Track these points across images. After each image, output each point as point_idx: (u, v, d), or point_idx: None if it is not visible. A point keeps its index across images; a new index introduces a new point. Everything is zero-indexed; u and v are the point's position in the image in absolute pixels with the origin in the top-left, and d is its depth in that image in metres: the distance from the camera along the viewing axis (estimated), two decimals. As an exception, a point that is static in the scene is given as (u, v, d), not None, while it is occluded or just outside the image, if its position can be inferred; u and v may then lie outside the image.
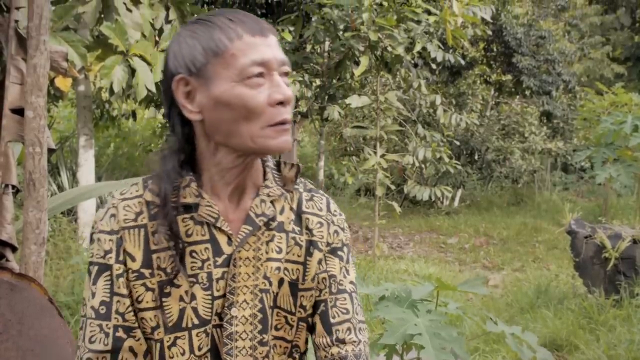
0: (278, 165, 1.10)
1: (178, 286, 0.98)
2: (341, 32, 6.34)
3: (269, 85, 0.95)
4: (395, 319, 1.97)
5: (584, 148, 7.92)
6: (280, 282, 1.03)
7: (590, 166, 9.31)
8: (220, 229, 0.99)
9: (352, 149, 10.80)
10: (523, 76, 10.83)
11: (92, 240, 1.01)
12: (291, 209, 1.07)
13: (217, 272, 0.99)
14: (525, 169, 12.30)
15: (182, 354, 0.98)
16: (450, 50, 7.37)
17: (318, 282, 1.06)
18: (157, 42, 4.78)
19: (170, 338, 0.98)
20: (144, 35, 4.62)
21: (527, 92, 11.17)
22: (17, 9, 2.00)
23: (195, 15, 5.48)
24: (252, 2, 7.58)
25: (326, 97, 6.78)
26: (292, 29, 6.94)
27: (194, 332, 0.98)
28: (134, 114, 9.49)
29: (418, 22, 6.45)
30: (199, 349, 0.99)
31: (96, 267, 0.99)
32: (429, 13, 6.50)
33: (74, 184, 6.62)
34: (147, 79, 4.49)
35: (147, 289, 0.98)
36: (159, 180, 0.98)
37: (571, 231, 4.98)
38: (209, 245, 0.99)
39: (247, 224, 1.01)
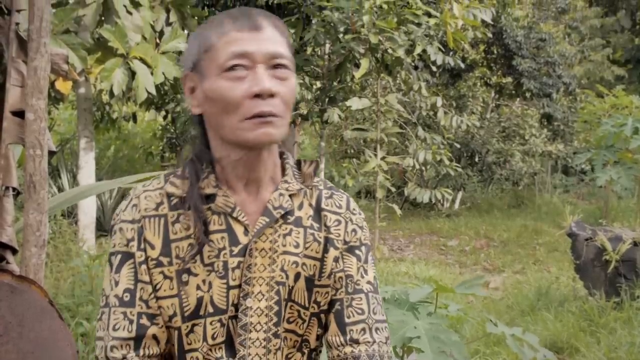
0: (299, 163, 1.11)
1: (195, 275, 0.99)
2: (341, 35, 6.34)
3: (251, 78, 0.95)
4: (395, 321, 1.97)
5: (585, 150, 7.92)
6: (297, 276, 1.03)
7: (590, 168, 9.32)
8: (237, 219, 1.01)
9: (352, 151, 10.79)
10: (523, 78, 10.83)
11: (113, 232, 1.03)
12: (310, 205, 1.08)
13: (233, 262, 1.00)
14: (525, 172, 12.30)
15: (198, 342, 1.00)
16: (451, 53, 7.38)
17: (335, 281, 1.06)
18: (157, 45, 4.79)
19: (188, 326, 0.99)
20: (144, 38, 4.63)
21: (528, 95, 11.17)
22: (18, 11, 2.01)
23: (196, 17, 5.50)
24: (252, 5, 7.59)
25: (326, 99, 6.78)
26: (292, 31, 6.94)
27: (208, 320, 0.99)
28: (134, 117, 9.50)
29: (418, 24, 6.45)
30: (213, 337, 1.00)
31: (119, 256, 1.01)
32: (430, 15, 6.50)
33: (75, 186, 6.63)
34: (148, 82, 4.49)
35: (165, 277, 0.99)
36: (183, 170, 1.03)
37: (572, 233, 4.97)
38: (226, 234, 1.00)
39: (264, 215, 1.02)
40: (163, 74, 4.60)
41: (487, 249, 8.01)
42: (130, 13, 4.54)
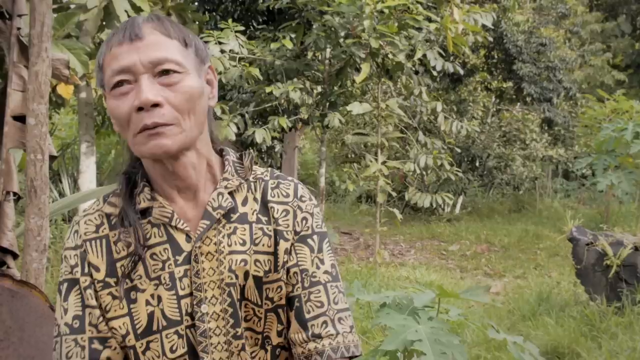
0: (242, 157, 1.09)
1: (143, 291, 0.98)
2: (342, 39, 6.35)
3: (136, 91, 0.92)
4: (396, 325, 1.96)
5: (585, 155, 7.92)
6: (246, 275, 1.01)
7: (591, 173, 9.31)
8: (176, 228, 1.00)
9: (353, 156, 10.81)
10: (524, 83, 10.84)
11: (61, 261, 1.03)
12: (255, 199, 1.05)
13: (179, 271, 0.99)
14: (526, 176, 12.30)
15: (158, 357, 0.98)
16: (451, 58, 7.38)
17: (290, 277, 1.03)
18: (158, 50, 4.79)
19: (142, 343, 0.98)
20: (145, 43, 4.63)
21: (528, 99, 11.19)
22: (20, 16, 2.01)
23: (197, 22, 5.49)
24: (253, 10, 7.61)
25: (327, 104, 6.78)
26: (293, 36, 6.95)
27: (164, 333, 0.98)
28: (135, 121, 9.49)
29: (419, 29, 6.46)
30: (172, 350, 0.98)
31: (66, 284, 1.01)
32: (430, 20, 6.51)
33: (75, 190, 6.63)
34: (149, 86, 4.49)
35: (114, 297, 0.99)
36: (119, 188, 1.02)
37: (573, 238, 4.97)
38: (168, 245, 0.99)
39: (204, 218, 1.00)
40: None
41: (488, 254, 8.00)
42: (131, 18, 4.55)
